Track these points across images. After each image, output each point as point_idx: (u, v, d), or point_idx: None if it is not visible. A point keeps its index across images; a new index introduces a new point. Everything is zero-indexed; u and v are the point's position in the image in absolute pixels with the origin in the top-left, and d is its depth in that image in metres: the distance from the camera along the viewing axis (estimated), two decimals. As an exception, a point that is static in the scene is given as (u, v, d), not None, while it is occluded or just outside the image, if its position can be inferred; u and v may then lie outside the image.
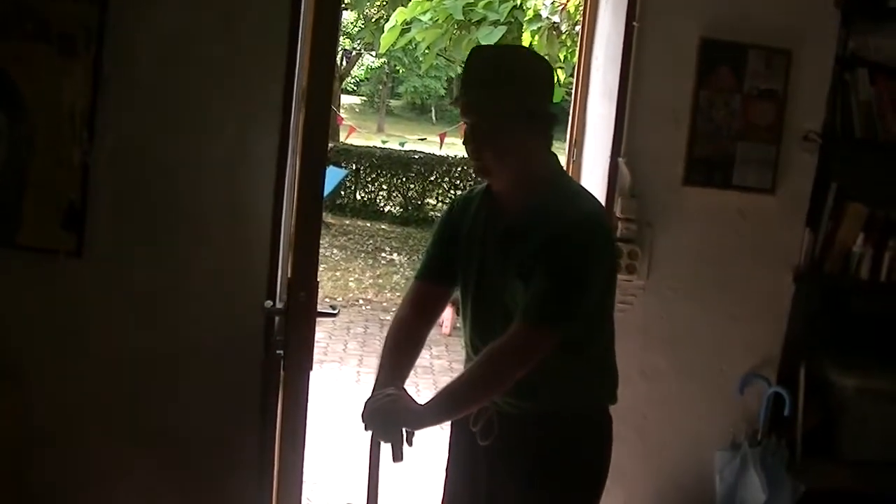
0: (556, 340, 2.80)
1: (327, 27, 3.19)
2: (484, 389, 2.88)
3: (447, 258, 3.10)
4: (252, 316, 3.91)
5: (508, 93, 2.82)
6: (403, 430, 2.83)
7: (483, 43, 10.46)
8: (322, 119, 3.24)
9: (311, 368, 3.30)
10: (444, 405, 2.89)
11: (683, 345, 4.47)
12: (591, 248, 2.85)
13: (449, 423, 3.14)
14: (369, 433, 2.90)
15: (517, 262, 2.85)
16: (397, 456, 2.82)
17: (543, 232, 2.80)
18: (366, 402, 2.88)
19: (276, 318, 3.77)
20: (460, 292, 3.09)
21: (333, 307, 3.75)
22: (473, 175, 14.65)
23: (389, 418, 2.82)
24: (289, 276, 3.30)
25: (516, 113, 2.83)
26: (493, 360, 2.83)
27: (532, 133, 2.88)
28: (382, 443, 2.88)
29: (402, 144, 18.19)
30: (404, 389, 2.93)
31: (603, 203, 4.29)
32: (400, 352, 3.08)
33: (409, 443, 2.85)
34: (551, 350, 2.80)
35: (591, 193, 3.11)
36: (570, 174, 4.71)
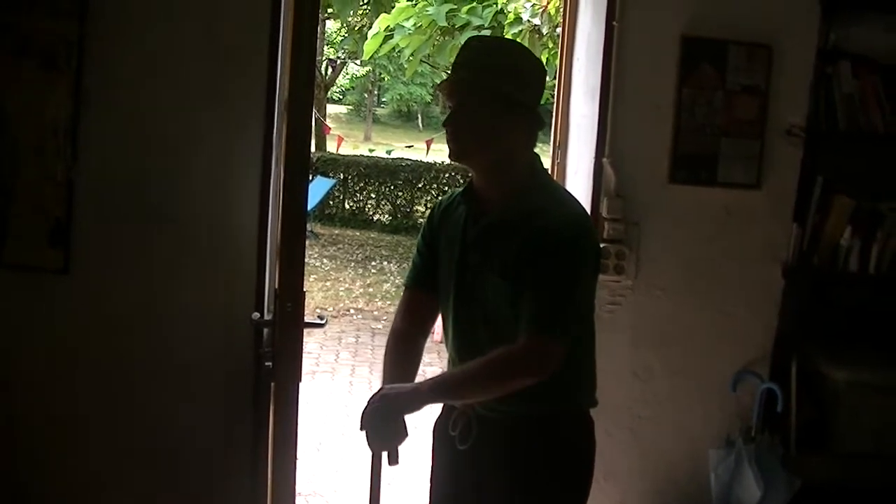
0: (564, 347, 2.79)
1: (306, 37, 3.18)
2: (488, 388, 2.85)
3: (433, 265, 3.09)
4: (240, 328, 3.90)
5: (497, 76, 2.82)
6: (402, 435, 2.82)
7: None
8: (304, 128, 3.22)
9: (300, 379, 3.28)
10: (442, 388, 2.89)
11: (674, 343, 4.46)
12: (583, 251, 2.84)
13: (432, 430, 3.14)
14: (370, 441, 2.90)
15: (500, 259, 2.84)
16: (393, 459, 2.83)
17: (528, 231, 2.79)
18: (362, 413, 2.86)
19: (265, 330, 3.77)
20: (441, 291, 3.06)
21: (321, 317, 3.74)
22: (460, 179, 14.67)
23: (385, 413, 2.80)
24: (276, 286, 3.29)
25: (501, 99, 2.82)
26: (505, 366, 2.80)
27: (513, 124, 2.86)
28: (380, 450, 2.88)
29: (388, 153, 18.18)
30: None
31: (589, 204, 4.30)
32: (399, 364, 3.06)
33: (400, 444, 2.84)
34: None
35: (570, 193, 3.10)
36: (554, 176, 4.72)
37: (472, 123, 2.85)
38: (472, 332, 2.95)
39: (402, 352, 3.09)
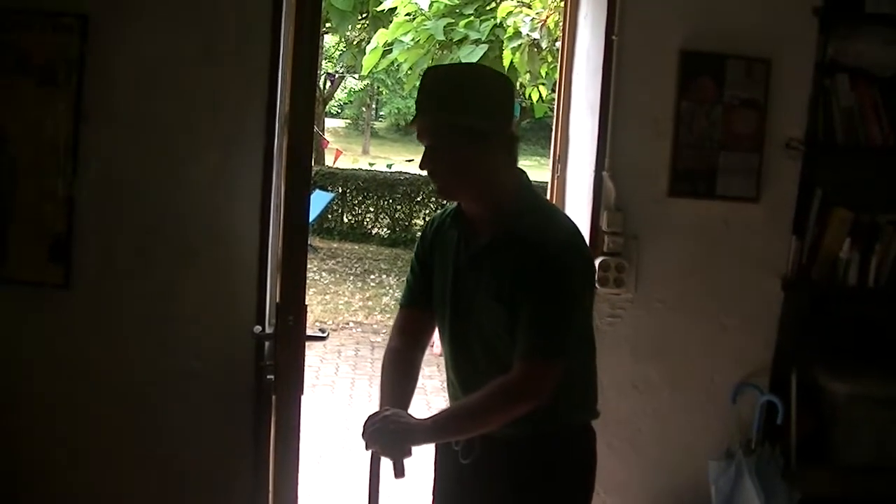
0: (561, 369, 2.78)
1: (307, 50, 3.19)
2: (490, 420, 2.85)
3: (427, 282, 3.08)
4: (241, 341, 3.91)
5: (462, 112, 2.77)
6: (407, 452, 2.81)
7: (464, 61, 10.47)
8: (305, 141, 3.23)
9: (302, 393, 3.28)
10: (446, 426, 2.90)
11: (674, 356, 4.46)
12: (575, 270, 2.82)
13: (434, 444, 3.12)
14: (370, 452, 2.89)
15: (493, 283, 2.82)
16: (399, 472, 2.81)
17: (519, 254, 2.78)
18: (365, 423, 2.86)
19: (266, 343, 3.77)
20: (437, 313, 3.05)
21: (323, 330, 3.74)
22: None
23: (391, 435, 2.81)
24: (277, 300, 3.29)
25: (471, 132, 2.78)
26: (504, 396, 2.80)
27: (491, 152, 2.82)
28: (384, 459, 2.86)
29: (389, 167, 18.14)
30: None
31: (589, 217, 4.31)
32: (396, 381, 3.05)
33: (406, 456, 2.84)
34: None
35: (560, 210, 3.08)
36: (554, 189, 4.73)
37: (448, 163, 2.82)
38: (470, 354, 2.94)
39: (400, 370, 3.08)
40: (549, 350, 2.77)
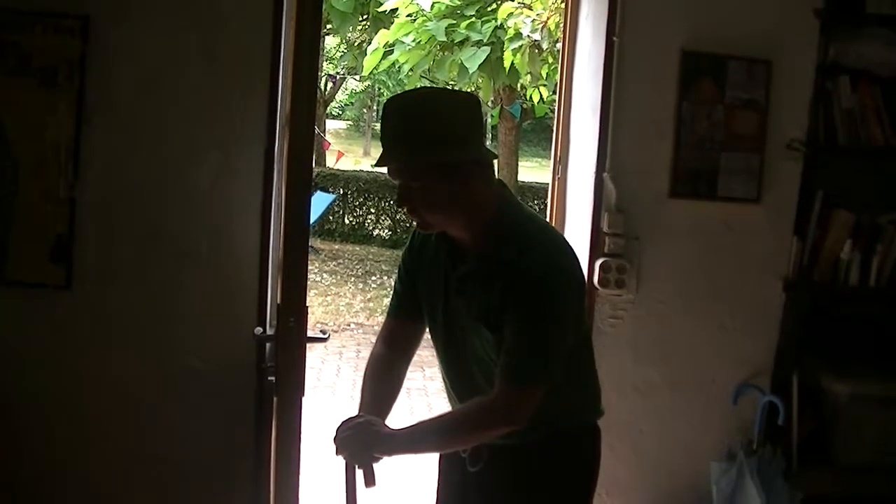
0: (542, 392, 2.74)
1: (308, 52, 3.18)
2: (464, 439, 2.87)
3: (414, 292, 3.04)
4: (243, 343, 3.91)
5: (429, 150, 2.68)
6: (377, 459, 2.81)
7: (466, 64, 10.48)
8: (306, 143, 3.23)
9: (303, 394, 3.27)
10: (418, 438, 2.87)
11: (676, 357, 4.46)
12: (559, 293, 2.74)
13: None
14: (342, 459, 2.89)
15: (483, 309, 2.77)
16: (370, 481, 2.81)
17: (504, 279, 2.71)
18: (338, 428, 2.84)
19: (267, 345, 3.76)
20: (430, 334, 3.03)
21: (324, 332, 3.73)
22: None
23: (360, 443, 2.80)
24: (278, 301, 3.28)
25: (441, 167, 2.69)
26: (481, 417, 2.79)
27: (464, 180, 2.72)
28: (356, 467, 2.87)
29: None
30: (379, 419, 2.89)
31: (590, 219, 4.31)
32: (377, 388, 3.02)
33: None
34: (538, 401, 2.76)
35: (546, 223, 3.03)
36: (555, 191, 4.73)
37: (424, 200, 2.74)
38: (464, 369, 2.93)
39: (381, 377, 3.05)
40: (529, 374, 2.73)
